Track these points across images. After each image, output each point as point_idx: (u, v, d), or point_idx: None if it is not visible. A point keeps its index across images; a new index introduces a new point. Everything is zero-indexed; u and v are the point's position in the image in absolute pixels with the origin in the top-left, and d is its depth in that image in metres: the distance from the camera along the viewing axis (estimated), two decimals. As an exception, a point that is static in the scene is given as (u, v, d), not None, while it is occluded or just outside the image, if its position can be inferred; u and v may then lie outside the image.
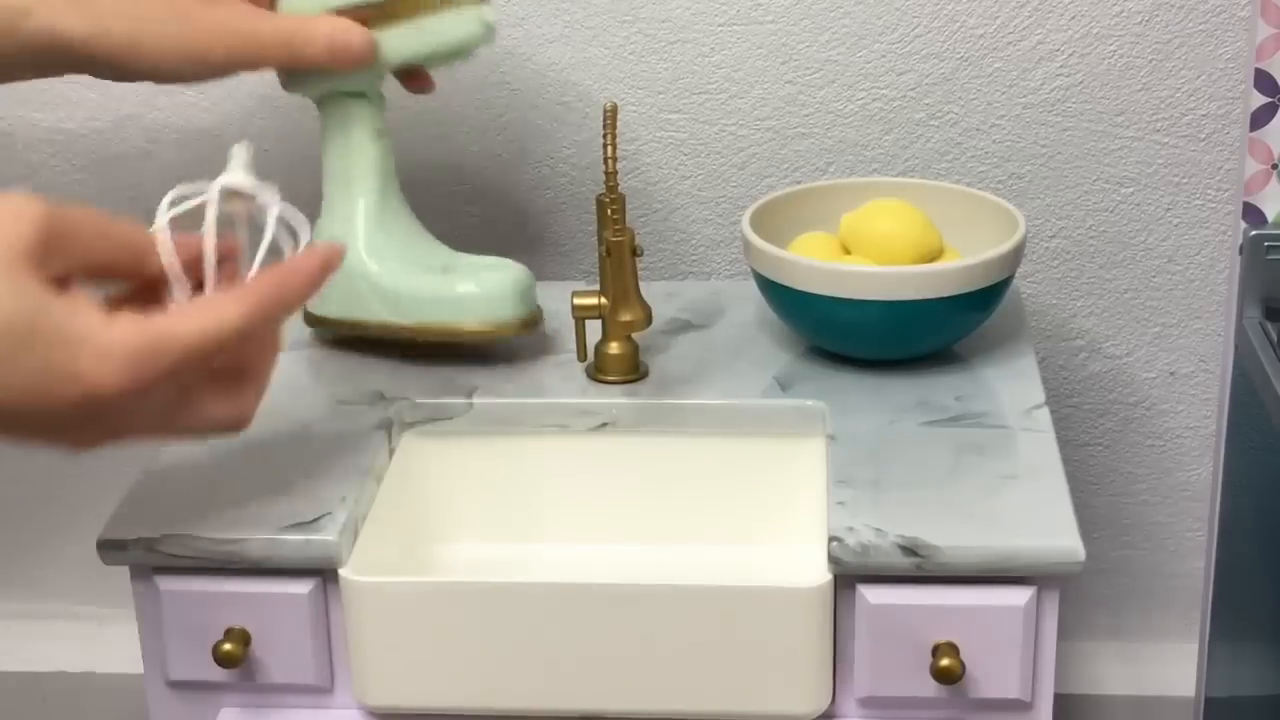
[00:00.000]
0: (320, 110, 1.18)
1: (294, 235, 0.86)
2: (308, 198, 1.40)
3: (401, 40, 1.13)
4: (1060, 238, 1.38)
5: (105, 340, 0.77)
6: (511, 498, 1.19)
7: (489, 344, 1.20)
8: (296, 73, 1.15)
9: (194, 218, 0.84)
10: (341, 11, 1.11)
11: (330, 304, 1.20)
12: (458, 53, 1.14)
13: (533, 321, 1.19)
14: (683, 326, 1.27)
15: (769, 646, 1.01)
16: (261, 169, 0.86)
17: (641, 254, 1.14)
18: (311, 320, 1.23)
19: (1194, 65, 1.32)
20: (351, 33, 1.10)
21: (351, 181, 1.18)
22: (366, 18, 1.11)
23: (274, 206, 0.85)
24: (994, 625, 1.01)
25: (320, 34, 1.09)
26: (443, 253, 1.21)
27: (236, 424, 0.85)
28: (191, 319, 0.80)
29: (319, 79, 1.14)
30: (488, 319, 1.17)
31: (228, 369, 0.84)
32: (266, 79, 1.17)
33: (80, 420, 0.79)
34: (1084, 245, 1.38)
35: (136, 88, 1.15)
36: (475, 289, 1.17)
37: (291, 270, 0.83)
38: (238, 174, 0.85)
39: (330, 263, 0.85)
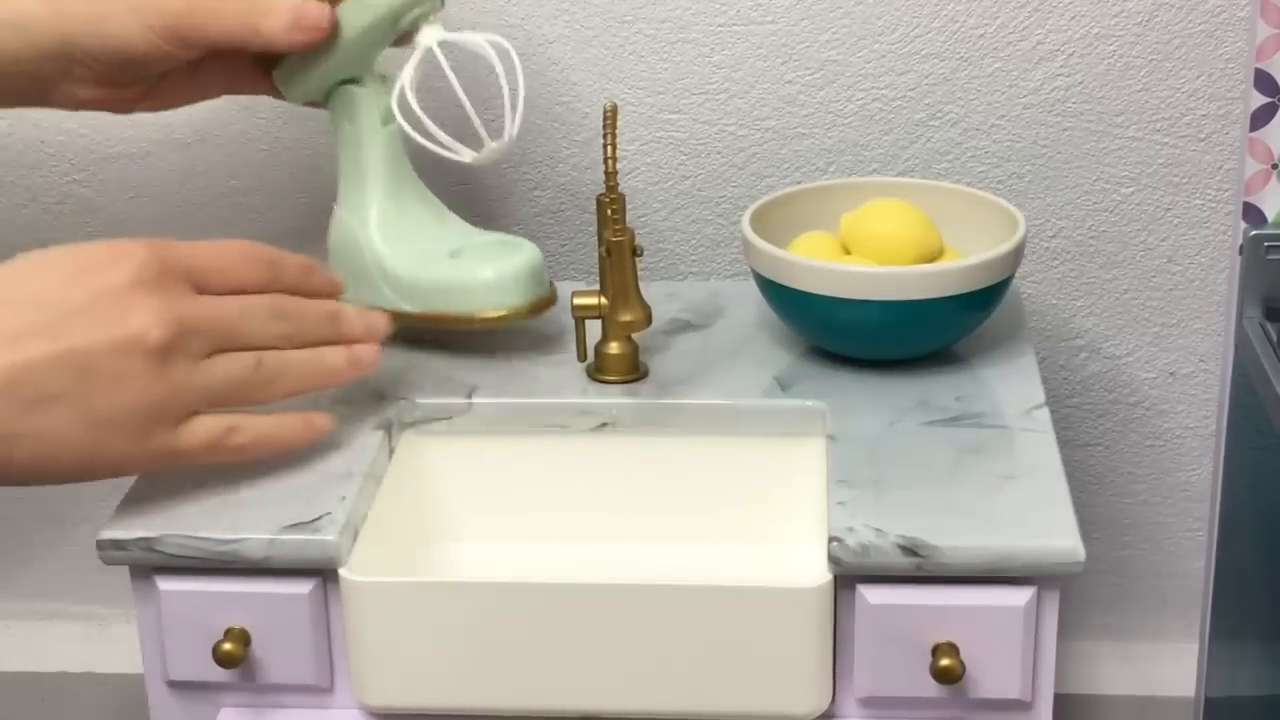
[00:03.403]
0: (328, 107, 1.18)
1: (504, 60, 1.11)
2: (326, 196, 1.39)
3: (355, 11, 1.13)
4: (1060, 238, 1.38)
5: None
6: (511, 498, 1.19)
7: (503, 329, 1.20)
8: (281, 71, 1.16)
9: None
10: None
11: (347, 295, 1.20)
12: (411, 9, 1.14)
13: (545, 303, 1.18)
14: (683, 326, 1.27)
15: (769, 646, 1.01)
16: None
17: (641, 254, 1.14)
18: None
19: (1194, 65, 1.32)
20: (310, 5, 1.11)
21: (363, 170, 1.18)
22: None
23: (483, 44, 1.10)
24: (994, 625, 1.01)
25: (281, 7, 1.11)
26: (456, 233, 1.21)
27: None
28: None
29: (303, 73, 1.15)
30: (501, 304, 1.17)
31: None
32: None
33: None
34: (1084, 245, 1.38)
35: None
36: (489, 275, 1.16)
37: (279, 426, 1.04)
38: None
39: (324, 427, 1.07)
